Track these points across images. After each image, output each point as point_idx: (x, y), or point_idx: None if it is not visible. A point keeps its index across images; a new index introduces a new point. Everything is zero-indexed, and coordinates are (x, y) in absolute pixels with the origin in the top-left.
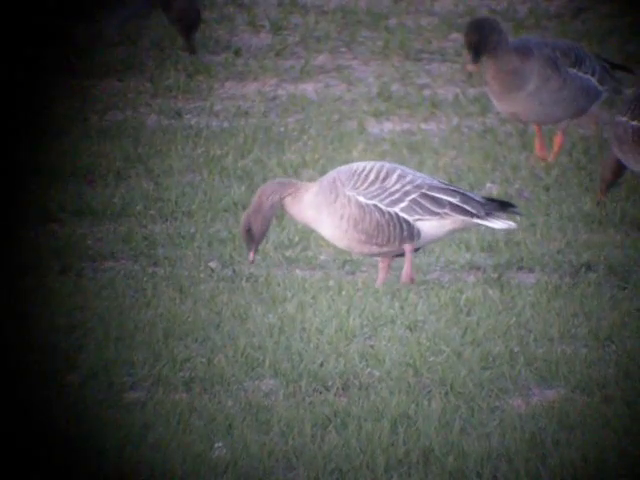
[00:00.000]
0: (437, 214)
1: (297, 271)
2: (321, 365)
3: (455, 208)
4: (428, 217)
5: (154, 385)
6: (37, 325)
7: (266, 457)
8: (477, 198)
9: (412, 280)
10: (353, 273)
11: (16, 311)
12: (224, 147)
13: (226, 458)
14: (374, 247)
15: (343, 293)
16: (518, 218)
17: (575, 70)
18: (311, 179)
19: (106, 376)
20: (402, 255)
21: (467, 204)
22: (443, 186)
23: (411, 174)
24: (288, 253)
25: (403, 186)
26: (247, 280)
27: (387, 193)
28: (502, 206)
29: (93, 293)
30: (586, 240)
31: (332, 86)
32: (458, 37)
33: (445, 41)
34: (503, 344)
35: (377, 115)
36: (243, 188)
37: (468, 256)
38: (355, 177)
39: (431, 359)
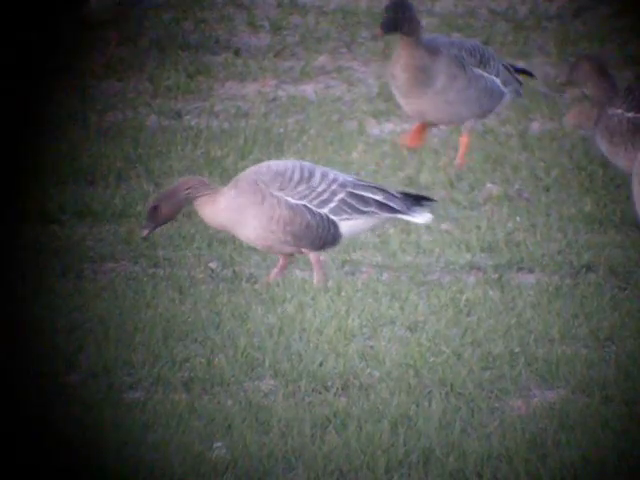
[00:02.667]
0: (365, 213)
1: (296, 272)
2: (320, 365)
3: (381, 206)
4: (356, 216)
5: (154, 385)
6: (38, 326)
7: (266, 457)
8: (395, 193)
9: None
10: (352, 274)
11: (17, 312)
12: (224, 148)
13: (226, 458)
14: (293, 248)
15: (342, 294)
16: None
17: (480, 70)
18: None
19: (106, 376)
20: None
21: (391, 201)
22: (364, 184)
23: (331, 172)
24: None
25: (329, 185)
26: (247, 281)
27: (315, 193)
28: (417, 200)
29: (93, 294)
30: (586, 241)
31: (332, 87)
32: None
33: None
34: (503, 345)
35: (377, 116)
36: None
37: (468, 256)
38: (280, 178)
39: (431, 360)
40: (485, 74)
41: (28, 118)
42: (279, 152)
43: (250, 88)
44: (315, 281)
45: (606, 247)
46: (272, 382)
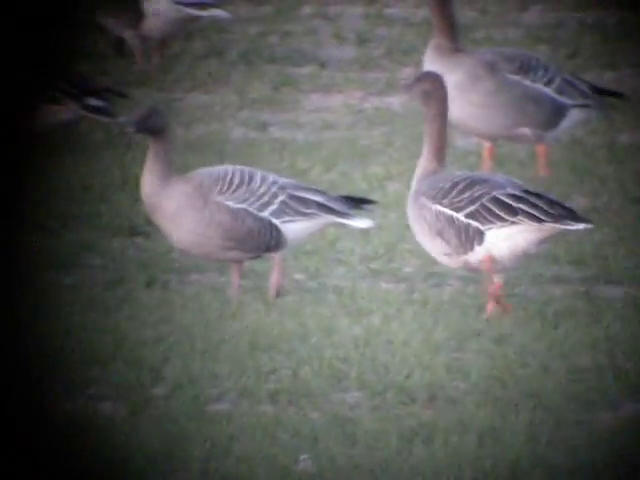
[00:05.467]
0: (305, 214)
1: (382, 283)
2: (407, 377)
3: (322, 207)
4: (298, 218)
5: (239, 397)
6: (124, 338)
7: (352, 470)
8: (337, 197)
9: (279, 291)
10: (438, 286)
11: (104, 324)
12: (309, 160)
13: (312, 471)
14: (237, 253)
15: (428, 306)
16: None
17: (519, 77)
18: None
19: (192, 388)
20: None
21: (332, 203)
22: (305, 186)
23: (271, 176)
24: (373, 265)
25: (269, 188)
26: (332, 292)
27: (255, 196)
28: (358, 203)
29: (179, 305)
30: None
31: None
32: (545, 49)
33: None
34: (591, 357)
35: None
36: None
37: (555, 269)
38: (220, 182)
39: (518, 372)
40: (526, 82)
41: (116, 132)
42: (364, 164)
43: (335, 100)
44: (272, 281)
45: None
46: (358, 394)
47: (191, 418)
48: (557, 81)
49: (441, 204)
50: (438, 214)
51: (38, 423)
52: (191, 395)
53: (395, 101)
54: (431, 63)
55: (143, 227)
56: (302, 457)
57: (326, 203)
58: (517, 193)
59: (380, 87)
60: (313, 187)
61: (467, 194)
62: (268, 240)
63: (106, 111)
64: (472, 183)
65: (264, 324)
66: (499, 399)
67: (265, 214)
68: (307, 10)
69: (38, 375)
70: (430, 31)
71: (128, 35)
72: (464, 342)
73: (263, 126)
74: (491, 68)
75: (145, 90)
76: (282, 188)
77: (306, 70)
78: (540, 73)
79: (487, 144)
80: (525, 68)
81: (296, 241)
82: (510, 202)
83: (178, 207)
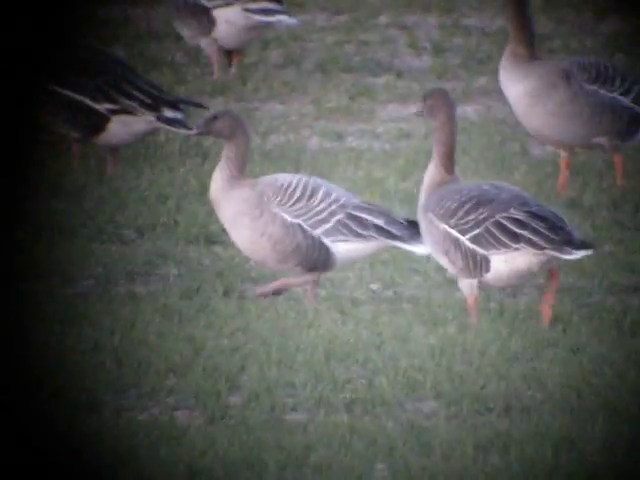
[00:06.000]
0: (362, 236)
1: (457, 293)
2: (483, 387)
3: (380, 231)
4: (352, 239)
5: (316, 406)
6: (201, 347)
7: (428, 479)
8: (400, 220)
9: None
10: (514, 295)
11: (181, 333)
12: (385, 169)
13: None
14: (285, 265)
15: (504, 315)
16: None
17: (595, 86)
18: None
19: (268, 397)
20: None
21: (392, 226)
22: (367, 206)
23: (335, 192)
24: (449, 275)
25: (329, 205)
26: (408, 301)
27: (313, 212)
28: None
29: (255, 315)
30: None
31: (494, 108)
32: (623, 58)
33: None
34: None
35: None
36: (404, 211)
37: (633, 278)
38: (281, 193)
39: (594, 382)
40: (602, 91)
41: (188, 140)
42: None
43: (411, 109)
44: (306, 300)
45: None
46: (434, 403)
47: (267, 427)
48: (635, 90)
49: (448, 224)
50: (445, 235)
51: (116, 431)
52: (267, 404)
53: (471, 110)
54: (506, 71)
55: (220, 236)
56: (378, 466)
57: (385, 226)
58: (520, 217)
59: (456, 96)
60: (377, 208)
61: (472, 216)
62: (315, 259)
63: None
64: (478, 204)
65: (340, 333)
66: (575, 409)
67: (318, 232)
68: (383, 20)
69: (116, 384)
70: (506, 41)
71: (204, 44)
72: (540, 352)
73: (339, 136)
74: (567, 77)
75: (222, 100)
76: (342, 206)
77: (382, 80)
78: (617, 82)
79: (563, 153)
80: (602, 77)
81: (348, 262)
82: (513, 228)
83: (237, 212)
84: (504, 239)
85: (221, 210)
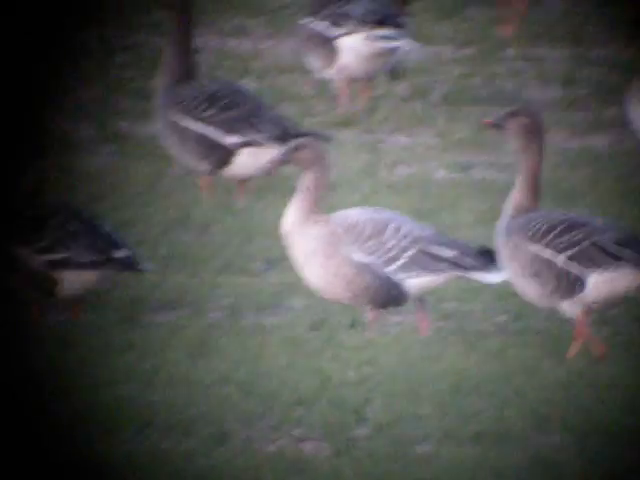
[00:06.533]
0: (434, 270)
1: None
2: (612, 420)
3: (453, 265)
4: (425, 274)
5: (443, 439)
6: (328, 378)
7: None
8: (473, 249)
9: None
10: None
11: (308, 365)
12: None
13: None
14: (361, 303)
15: (633, 347)
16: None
17: None
18: None
19: (394, 429)
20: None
21: (465, 258)
22: (439, 238)
23: (405, 225)
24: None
25: (399, 241)
26: (537, 334)
27: (383, 250)
28: (494, 256)
29: (382, 346)
30: None
31: (625, 139)
32: None
33: None
34: None
35: None
36: None
37: None
38: (352, 231)
39: None
40: None
41: None
42: (569, 204)
43: None
44: (366, 333)
45: None
46: (562, 436)
47: (394, 459)
48: None
49: (539, 244)
50: (535, 256)
51: (243, 463)
52: (394, 436)
53: (600, 141)
54: (636, 101)
55: None
56: None
57: (458, 260)
58: (619, 238)
59: (584, 127)
60: (450, 239)
61: (566, 237)
62: (385, 297)
63: None
64: (571, 227)
65: (467, 366)
66: None
67: (390, 269)
68: (511, 52)
69: (243, 416)
70: (635, 71)
71: (331, 75)
72: None
73: (465, 167)
74: None
75: (349, 132)
76: (414, 242)
77: None
78: None
79: None
80: None
81: (422, 292)
82: (613, 248)
83: (310, 250)
84: (604, 257)
85: (294, 245)
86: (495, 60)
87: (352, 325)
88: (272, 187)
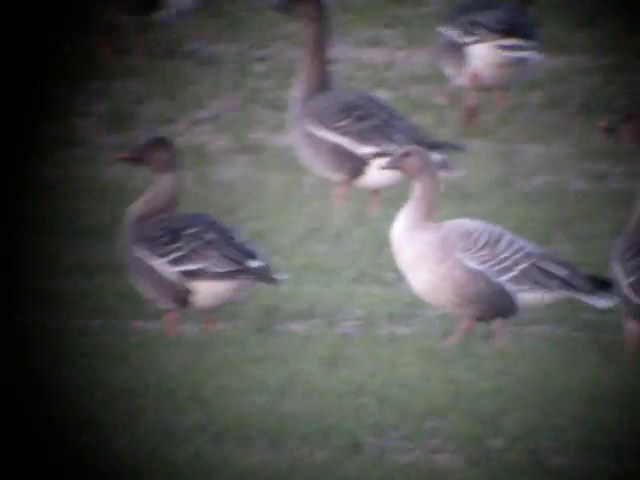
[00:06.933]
0: (545, 287)
1: None
2: None
3: (563, 283)
4: (536, 289)
5: (579, 450)
6: (463, 389)
7: None
8: (581, 272)
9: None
10: None
11: (442, 375)
12: None
13: None
14: (466, 310)
15: None
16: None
17: None
18: None
19: (530, 441)
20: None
21: (574, 279)
22: (551, 257)
23: (519, 241)
24: None
25: (513, 253)
26: None
27: (498, 259)
28: (603, 285)
29: (517, 356)
30: None
31: None
32: None
33: None
34: None
35: None
36: None
37: None
38: (467, 238)
39: None
40: None
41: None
42: None
43: None
44: (450, 340)
45: None
46: None
47: (529, 471)
48: None
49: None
50: None
51: (377, 473)
52: (529, 448)
53: None
54: None
55: None
56: None
57: (569, 280)
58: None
59: None
60: (561, 260)
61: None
62: (497, 306)
63: (444, 165)
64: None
65: (602, 377)
66: None
67: (502, 280)
68: None
69: (377, 426)
70: None
71: (462, 83)
72: None
73: (602, 177)
74: None
75: (482, 142)
76: (527, 256)
77: None
78: None
79: None
80: None
81: (528, 309)
82: None
83: (418, 254)
84: None
85: (402, 251)
86: (633, 68)
87: (485, 335)
88: (405, 197)
